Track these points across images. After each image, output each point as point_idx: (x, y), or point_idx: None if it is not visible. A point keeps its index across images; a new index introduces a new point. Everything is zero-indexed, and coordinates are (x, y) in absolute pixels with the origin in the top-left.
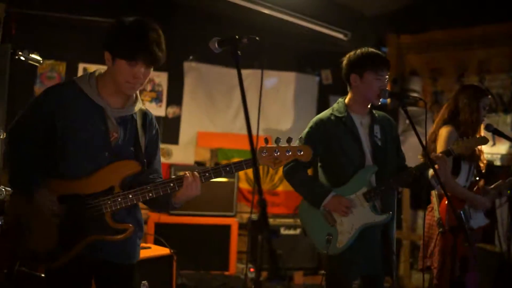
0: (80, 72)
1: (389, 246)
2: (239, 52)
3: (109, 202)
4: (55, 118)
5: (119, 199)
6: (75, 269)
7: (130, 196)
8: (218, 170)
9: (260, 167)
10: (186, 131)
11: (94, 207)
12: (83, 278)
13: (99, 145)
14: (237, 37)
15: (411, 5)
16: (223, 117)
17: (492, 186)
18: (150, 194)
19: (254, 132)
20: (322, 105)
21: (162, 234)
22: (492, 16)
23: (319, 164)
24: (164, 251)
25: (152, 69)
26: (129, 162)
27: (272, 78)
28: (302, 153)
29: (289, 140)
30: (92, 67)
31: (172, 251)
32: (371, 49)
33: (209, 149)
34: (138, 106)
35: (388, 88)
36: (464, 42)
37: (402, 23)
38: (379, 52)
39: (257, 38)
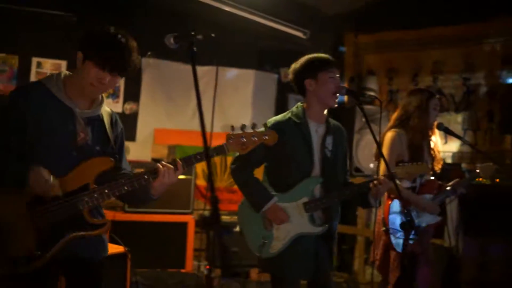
0: (34, 66)
1: (331, 247)
2: (194, 48)
3: (86, 199)
4: (24, 122)
5: (96, 195)
6: (45, 268)
7: (106, 191)
8: (189, 159)
9: (218, 164)
10: (143, 128)
11: (71, 205)
12: (51, 276)
13: (67, 146)
14: (192, 33)
15: (369, 5)
16: (182, 114)
17: (450, 184)
18: (126, 187)
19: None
20: (281, 103)
21: (118, 232)
22: (447, 18)
23: (266, 165)
24: (118, 249)
25: (118, 79)
26: (102, 159)
27: (232, 71)
28: (267, 137)
29: (253, 126)
30: (46, 62)
31: (126, 249)
32: (313, 55)
33: (166, 146)
34: (104, 107)
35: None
36: (420, 43)
37: (360, 23)
38: (323, 54)
39: (212, 35)
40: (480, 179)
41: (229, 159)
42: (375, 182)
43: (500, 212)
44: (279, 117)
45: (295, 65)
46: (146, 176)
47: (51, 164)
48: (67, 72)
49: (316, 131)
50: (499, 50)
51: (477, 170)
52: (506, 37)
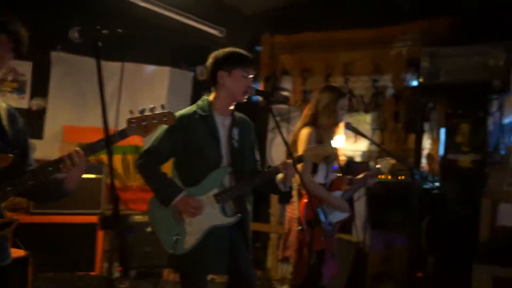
0: None
1: (247, 243)
2: (99, 43)
3: None
4: None
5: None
6: None
7: (9, 188)
8: (94, 147)
9: (130, 162)
10: (52, 125)
11: None
12: None
13: None
14: (98, 27)
15: (285, 6)
16: (93, 111)
17: (358, 177)
18: (31, 182)
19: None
20: (196, 100)
21: (21, 235)
22: (357, 22)
23: (174, 160)
24: (18, 253)
25: (10, 55)
26: (2, 157)
27: (145, 70)
28: (166, 119)
29: (152, 109)
30: None
31: (27, 252)
32: (238, 49)
33: (76, 144)
34: None
35: (260, 86)
36: (332, 45)
37: (276, 23)
38: (244, 51)
39: (119, 30)
40: (383, 176)
41: None
42: (281, 166)
43: (403, 207)
44: (184, 110)
45: (217, 53)
46: (50, 168)
47: None
48: None
49: (223, 123)
50: (404, 54)
51: (377, 166)
52: (411, 41)
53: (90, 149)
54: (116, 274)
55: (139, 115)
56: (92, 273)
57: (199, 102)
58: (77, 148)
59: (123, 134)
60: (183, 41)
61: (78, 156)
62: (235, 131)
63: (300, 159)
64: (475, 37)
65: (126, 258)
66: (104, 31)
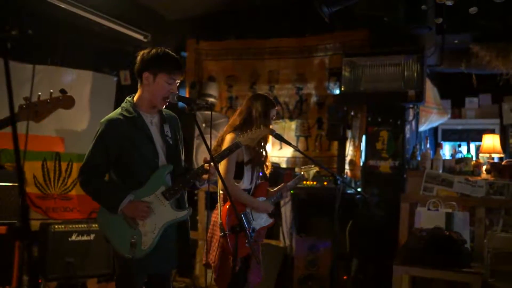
0: None
1: (187, 243)
2: (8, 44)
3: None
4: None
5: None
6: None
7: None
8: None
9: (51, 170)
10: None
11: None
12: None
13: None
14: (6, 27)
15: (211, 13)
16: (7, 115)
17: (275, 189)
18: None
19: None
20: (120, 105)
21: None
22: (282, 31)
23: (112, 168)
24: None
25: None
26: None
27: (69, 75)
28: (63, 102)
29: (50, 94)
30: None
31: None
32: (167, 51)
33: None
34: None
35: (186, 91)
36: (257, 53)
37: (201, 29)
38: (175, 55)
39: (30, 32)
40: (309, 182)
41: (64, 165)
42: (206, 165)
43: (327, 212)
44: (110, 115)
45: (146, 52)
46: None
47: None
48: None
49: (151, 122)
50: (326, 63)
51: (302, 172)
52: (332, 51)
53: None
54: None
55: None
56: (8, 287)
57: (123, 104)
58: None
59: (5, 121)
60: (107, 45)
61: None
62: (166, 128)
63: (237, 145)
64: (391, 48)
65: (37, 269)
66: (14, 32)
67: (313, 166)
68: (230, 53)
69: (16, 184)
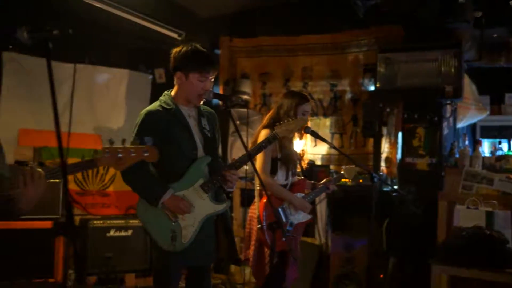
0: None
1: (231, 234)
2: (50, 44)
3: None
4: None
5: None
6: None
7: None
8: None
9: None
10: (5, 129)
11: None
12: None
13: None
14: (48, 28)
15: (244, 11)
16: (49, 114)
17: (321, 182)
18: None
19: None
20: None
21: None
22: (315, 27)
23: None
24: None
25: None
26: None
27: (104, 74)
28: (147, 154)
29: (123, 141)
30: None
31: None
32: (197, 47)
33: (32, 147)
34: None
35: (220, 89)
36: (290, 49)
37: (235, 27)
38: (205, 50)
39: (70, 31)
40: (346, 180)
41: None
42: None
43: (363, 210)
44: (149, 106)
45: (178, 51)
46: None
47: None
48: None
49: (189, 114)
50: (361, 59)
51: (342, 172)
52: (367, 47)
53: (49, 174)
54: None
55: (118, 145)
56: (51, 280)
57: (162, 98)
58: (39, 170)
59: (91, 164)
60: (142, 44)
61: (32, 176)
62: (204, 121)
63: (274, 136)
64: (427, 44)
65: (80, 264)
66: (55, 32)
67: (354, 166)
68: (263, 50)
69: (56, 180)
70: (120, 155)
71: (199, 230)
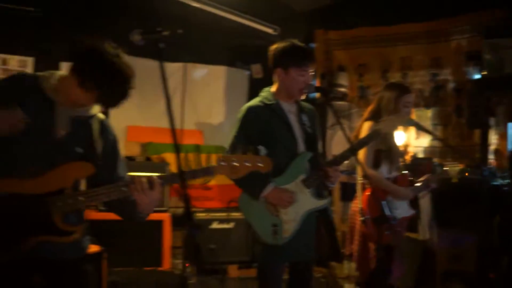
0: None
1: (333, 232)
2: (161, 45)
3: (59, 204)
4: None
5: (70, 201)
6: (12, 266)
7: (81, 198)
8: (172, 178)
9: (192, 160)
10: (115, 126)
11: (42, 208)
12: (23, 275)
13: (43, 141)
14: (159, 29)
15: (338, 2)
16: (154, 111)
17: (421, 179)
18: (103, 197)
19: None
20: (253, 99)
21: (93, 231)
22: (413, 15)
23: None
24: (94, 248)
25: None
26: (83, 164)
27: (202, 70)
28: (261, 164)
29: (252, 150)
30: (12, 58)
31: (102, 248)
32: (295, 43)
33: (139, 143)
34: (95, 110)
35: (317, 82)
36: (388, 39)
37: (329, 19)
38: (303, 45)
39: (179, 31)
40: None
41: (203, 156)
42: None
43: (471, 205)
44: (250, 102)
45: (276, 48)
46: (124, 188)
47: (26, 156)
48: (64, 74)
49: (289, 110)
50: (464, 46)
51: (447, 168)
52: (471, 33)
53: (165, 179)
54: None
55: (231, 154)
56: (160, 269)
57: (262, 93)
58: (154, 177)
59: (207, 172)
60: (238, 40)
61: (150, 184)
62: (304, 117)
63: (377, 133)
64: None
65: (199, 256)
66: (165, 33)
67: (457, 163)
68: (359, 42)
69: (162, 174)
70: (235, 164)
71: (300, 225)
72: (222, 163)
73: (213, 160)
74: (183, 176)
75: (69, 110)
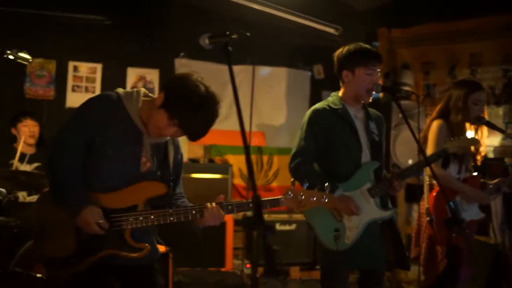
0: (70, 70)
1: (399, 240)
2: (230, 48)
3: (130, 219)
4: (96, 131)
5: (141, 218)
6: (98, 271)
7: (152, 217)
8: (241, 206)
9: (254, 162)
10: None
11: (115, 222)
12: (106, 278)
13: (130, 168)
14: (227, 32)
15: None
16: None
17: (493, 182)
18: (172, 218)
19: (247, 128)
20: (315, 100)
21: (158, 232)
22: (481, 9)
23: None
24: (160, 248)
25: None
26: (156, 184)
27: (265, 68)
28: (326, 200)
29: (317, 187)
30: (82, 65)
31: (168, 248)
32: (360, 44)
33: (202, 145)
34: None
35: (380, 82)
36: (455, 35)
37: (392, 17)
38: (369, 46)
39: (247, 34)
40: None
41: (265, 158)
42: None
43: None
44: (316, 105)
45: (341, 51)
46: (194, 212)
47: (110, 180)
48: (146, 92)
49: (356, 116)
50: None
51: None
52: None
53: (238, 208)
54: (247, 271)
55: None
56: (223, 269)
57: (329, 98)
58: (224, 204)
59: (275, 203)
60: (300, 41)
61: (221, 210)
62: (372, 124)
63: (444, 151)
64: None
65: (271, 257)
66: (234, 36)
67: None
68: (424, 39)
69: (225, 176)
70: (301, 198)
71: (362, 233)
72: (289, 196)
73: (275, 162)
74: (256, 203)
75: (151, 138)
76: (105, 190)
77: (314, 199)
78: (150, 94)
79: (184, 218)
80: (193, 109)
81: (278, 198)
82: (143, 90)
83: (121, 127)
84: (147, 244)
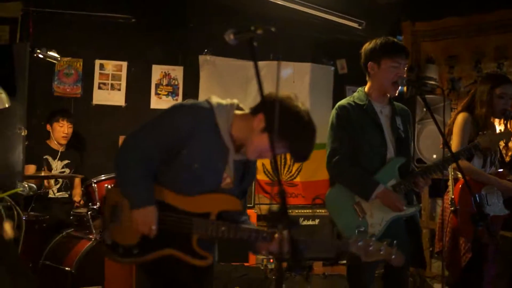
0: (97, 68)
1: (419, 238)
2: (255, 43)
3: (200, 225)
4: (183, 142)
5: (211, 227)
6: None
7: (222, 228)
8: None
9: (277, 157)
10: None
11: (185, 224)
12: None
13: (210, 182)
14: (252, 28)
15: None
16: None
17: None
18: (243, 235)
19: None
20: (338, 95)
21: None
22: (506, 1)
23: None
24: None
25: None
26: (234, 199)
27: (288, 69)
28: (394, 257)
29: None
30: (108, 63)
31: None
32: (388, 37)
33: None
34: None
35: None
36: (480, 28)
37: (416, 10)
38: (396, 40)
39: (272, 29)
40: None
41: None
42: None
43: None
44: (342, 101)
45: (366, 46)
46: (265, 235)
47: (188, 189)
48: (238, 105)
49: (381, 111)
50: None
51: None
52: None
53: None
54: (271, 266)
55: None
56: (246, 264)
57: (355, 94)
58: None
59: (345, 247)
60: (323, 36)
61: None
62: (398, 120)
63: (476, 146)
64: None
65: (296, 251)
66: (259, 31)
67: None
68: (449, 32)
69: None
70: (370, 248)
71: (385, 229)
72: (360, 243)
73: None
74: (282, 197)
75: (235, 155)
76: (181, 193)
77: (383, 252)
78: (241, 106)
79: (254, 237)
80: (303, 129)
81: (347, 243)
82: (236, 102)
83: (210, 143)
84: (211, 254)
